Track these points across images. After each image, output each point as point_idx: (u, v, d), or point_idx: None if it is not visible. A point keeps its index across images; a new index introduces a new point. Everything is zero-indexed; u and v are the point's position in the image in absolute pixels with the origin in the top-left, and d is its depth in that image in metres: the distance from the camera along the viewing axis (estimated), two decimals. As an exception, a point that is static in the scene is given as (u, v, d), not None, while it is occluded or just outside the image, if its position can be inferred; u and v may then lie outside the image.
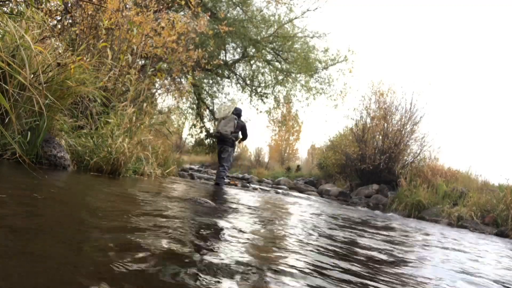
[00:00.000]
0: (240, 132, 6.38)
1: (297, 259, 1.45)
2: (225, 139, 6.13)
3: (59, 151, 3.15)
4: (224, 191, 5.11)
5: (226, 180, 7.12)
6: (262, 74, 12.45)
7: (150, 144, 4.77)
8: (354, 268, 1.50)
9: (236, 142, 6.41)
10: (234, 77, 12.55)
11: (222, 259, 1.21)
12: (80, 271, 0.84)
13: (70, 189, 2.35)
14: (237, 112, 6.31)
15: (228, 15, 10.58)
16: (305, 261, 1.44)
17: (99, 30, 4.73)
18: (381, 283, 1.32)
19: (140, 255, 1.06)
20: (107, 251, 1.03)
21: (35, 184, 2.03)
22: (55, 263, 0.84)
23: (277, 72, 12.00)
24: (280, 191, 8.54)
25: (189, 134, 13.74)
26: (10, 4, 3.43)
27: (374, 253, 1.98)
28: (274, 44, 11.53)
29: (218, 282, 0.97)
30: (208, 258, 1.19)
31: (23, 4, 3.32)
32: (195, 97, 12.59)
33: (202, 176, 9.19)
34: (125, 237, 1.25)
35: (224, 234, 1.71)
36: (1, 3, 3.26)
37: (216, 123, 6.74)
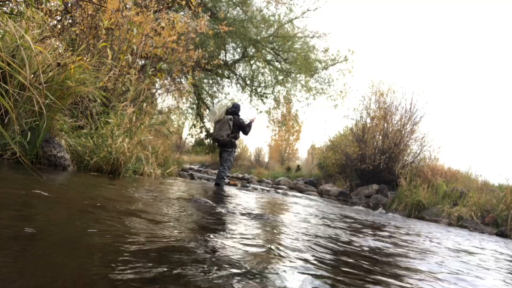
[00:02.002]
0: (240, 131, 6.24)
1: (292, 258, 1.45)
2: (224, 143, 6.07)
3: (59, 151, 3.15)
4: (224, 191, 5.11)
5: (226, 180, 7.11)
6: (262, 74, 12.47)
7: (150, 144, 4.78)
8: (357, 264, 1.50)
9: (236, 142, 6.32)
10: (234, 77, 12.56)
11: (221, 258, 1.21)
12: (76, 273, 0.84)
13: (69, 189, 2.35)
14: (234, 110, 6.14)
15: (228, 15, 10.58)
16: (302, 258, 1.44)
17: (99, 30, 4.73)
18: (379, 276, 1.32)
19: (139, 254, 1.06)
20: (106, 251, 1.04)
21: (34, 184, 2.03)
22: (49, 267, 0.84)
23: (277, 72, 12.00)
24: (280, 191, 8.53)
25: (189, 134, 13.78)
26: (10, 4, 3.43)
27: (371, 252, 1.98)
28: (274, 44, 11.54)
29: (217, 280, 0.97)
30: (207, 257, 1.19)
31: (23, 4, 3.32)
32: (195, 97, 12.60)
33: (202, 176, 9.18)
34: (124, 238, 1.25)
35: (223, 233, 1.71)
36: (1, 3, 3.26)
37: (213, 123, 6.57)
